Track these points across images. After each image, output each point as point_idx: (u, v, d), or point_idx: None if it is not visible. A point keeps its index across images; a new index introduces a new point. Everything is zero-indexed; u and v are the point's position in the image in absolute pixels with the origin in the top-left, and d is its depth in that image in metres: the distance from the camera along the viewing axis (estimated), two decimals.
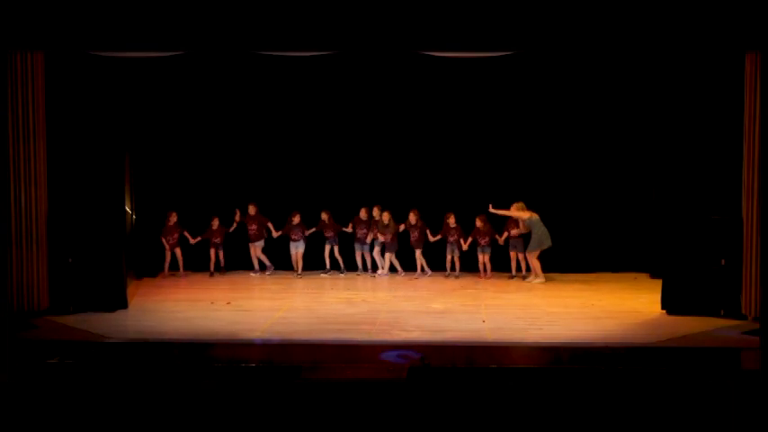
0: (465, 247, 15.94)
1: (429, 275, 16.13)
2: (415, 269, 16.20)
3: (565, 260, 16.28)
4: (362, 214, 16.22)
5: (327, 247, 16.34)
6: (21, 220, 12.79)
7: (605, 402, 9.01)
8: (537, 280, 15.62)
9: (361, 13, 12.18)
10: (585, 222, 16.35)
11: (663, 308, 12.94)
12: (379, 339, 11.61)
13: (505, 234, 15.87)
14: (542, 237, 15.50)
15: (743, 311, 12.41)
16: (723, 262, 12.64)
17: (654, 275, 15.05)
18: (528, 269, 15.86)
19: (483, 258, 15.98)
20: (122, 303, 13.30)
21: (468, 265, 16.14)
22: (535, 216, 15.55)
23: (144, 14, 12.24)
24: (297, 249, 16.26)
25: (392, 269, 16.34)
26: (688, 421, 8.75)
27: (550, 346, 11.18)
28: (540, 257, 15.76)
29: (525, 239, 15.77)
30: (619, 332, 11.92)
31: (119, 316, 12.99)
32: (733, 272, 12.53)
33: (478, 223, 15.86)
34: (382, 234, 16.03)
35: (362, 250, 16.36)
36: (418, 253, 16.15)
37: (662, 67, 13.33)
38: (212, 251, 16.34)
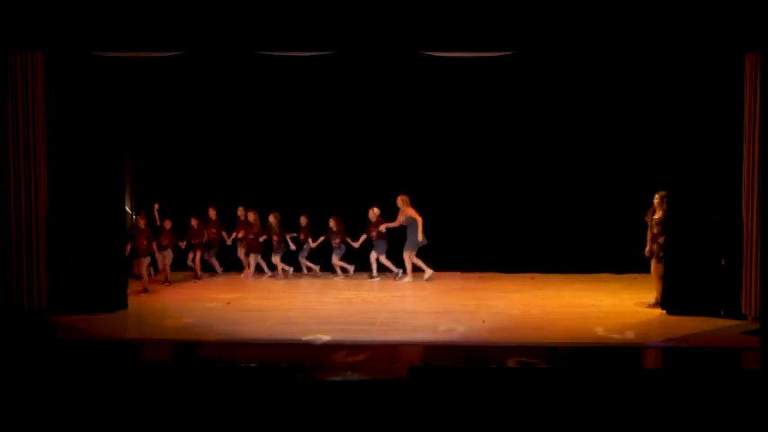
0: (314, 245, 15.92)
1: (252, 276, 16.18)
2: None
3: (565, 260, 16.28)
4: (239, 212, 16.22)
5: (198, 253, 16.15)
6: (21, 220, 12.78)
7: (605, 402, 9.01)
8: (407, 279, 15.65)
9: (361, 14, 12.18)
10: (586, 223, 16.34)
11: (663, 308, 12.94)
12: (379, 339, 11.61)
13: (363, 237, 15.81)
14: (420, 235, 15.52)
15: (743, 311, 12.41)
16: (723, 262, 12.64)
17: None
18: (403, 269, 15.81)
19: (334, 259, 15.97)
20: (122, 303, 13.29)
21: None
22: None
23: (144, 14, 12.24)
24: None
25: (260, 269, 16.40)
26: (688, 421, 8.76)
27: (550, 345, 11.19)
28: (541, 258, 15.69)
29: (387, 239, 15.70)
30: (619, 332, 11.93)
31: (119, 316, 12.99)
32: (733, 272, 12.52)
33: (331, 223, 15.84)
34: (251, 233, 15.97)
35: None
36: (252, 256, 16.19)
37: (662, 67, 13.32)
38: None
